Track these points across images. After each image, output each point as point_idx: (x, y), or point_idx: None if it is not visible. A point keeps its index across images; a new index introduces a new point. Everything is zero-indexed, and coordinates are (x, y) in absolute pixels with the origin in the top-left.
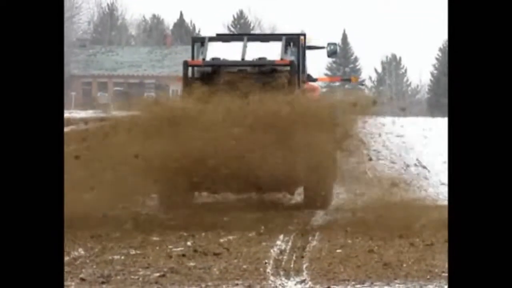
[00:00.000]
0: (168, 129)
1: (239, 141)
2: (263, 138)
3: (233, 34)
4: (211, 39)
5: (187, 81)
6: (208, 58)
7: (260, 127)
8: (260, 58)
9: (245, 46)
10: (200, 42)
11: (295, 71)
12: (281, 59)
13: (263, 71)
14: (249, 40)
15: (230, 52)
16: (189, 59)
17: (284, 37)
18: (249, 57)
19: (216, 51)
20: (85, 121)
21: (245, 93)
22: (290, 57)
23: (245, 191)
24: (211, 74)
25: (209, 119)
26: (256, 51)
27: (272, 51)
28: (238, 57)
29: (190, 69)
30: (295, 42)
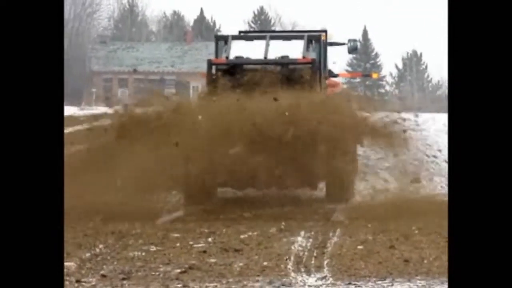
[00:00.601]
0: (192, 126)
1: (263, 138)
2: (287, 134)
3: (256, 32)
4: (234, 37)
5: (211, 79)
6: (231, 57)
7: (283, 124)
8: (282, 57)
9: (267, 45)
10: (223, 40)
11: (316, 68)
12: (303, 57)
13: (286, 69)
14: (271, 38)
15: (252, 50)
16: (211, 56)
17: (306, 35)
18: (272, 55)
19: (239, 49)
20: (104, 117)
21: (268, 91)
22: (312, 55)
23: (269, 187)
24: (235, 72)
25: (233, 116)
26: (278, 49)
27: (294, 49)
28: (260, 56)
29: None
30: (316, 40)
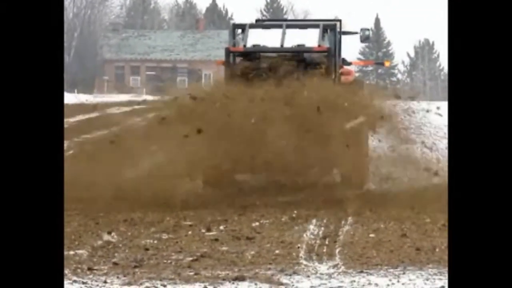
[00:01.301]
0: (211, 114)
1: (282, 124)
2: (303, 121)
3: (272, 20)
4: (252, 26)
5: (229, 67)
6: (248, 45)
7: (300, 111)
8: (298, 45)
9: (284, 33)
10: (241, 28)
11: (332, 56)
12: (319, 45)
13: (302, 57)
14: (287, 27)
15: (268, 38)
16: (224, 44)
17: (321, 24)
18: (288, 43)
19: (256, 37)
20: (121, 105)
21: (285, 79)
22: (327, 43)
23: (286, 172)
24: (252, 60)
25: (252, 103)
26: (294, 37)
27: (309, 38)
28: (277, 44)
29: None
30: (331, 29)
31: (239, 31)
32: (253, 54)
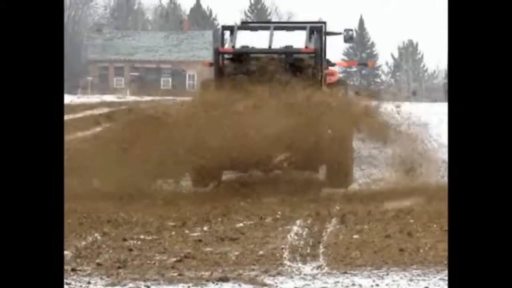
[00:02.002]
0: (203, 113)
1: (270, 123)
2: (291, 121)
3: (260, 22)
4: (240, 27)
5: (218, 67)
6: (237, 46)
7: (288, 111)
8: (286, 46)
9: (271, 35)
10: (229, 30)
11: (318, 57)
12: (306, 47)
13: (289, 58)
14: (275, 29)
15: (256, 40)
16: (208, 45)
17: (308, 26)
18: (275, 44)
19: (244, 39)
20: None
21: (273, 79)
22: (314, 45)
23: (274, 169)
24: (241, 61)
25: (241, 103)
26: (280, 39)
27: (296, 39)
28: (265, 45)
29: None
30: (318, 31)
31: (227, 33)
32: (242, 55)
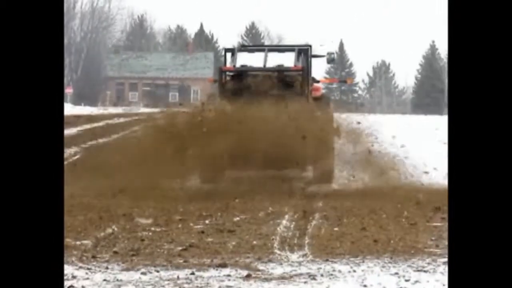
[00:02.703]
0: (208, 121)
1: (266, 129)
2: (283, 127)
3: (256, 46)
4: (239, 49)
5: (221, 83)
6: (237, 65)
7: (281, 119)
8: (278, 65)
9: (266, 56)
10: (231, 52)
11: (305, 75)
12: (295, 65)
13: (281, 75)
14: (269, 50)
15: (253, 60)
16: (210, 65)
17: (296, 48)
18: (269, 64)
19: (243, 59)
20: (120, 116)
21: (267, 92)
22: (301, 64)
23: (271, 168)
24: (240, 77)
25: (241, 113)
26: (273, 59)
27: (287, 59)
28: (260, 64)
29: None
30: (304, 52)
31: (228, 54)
32: (241, 73)
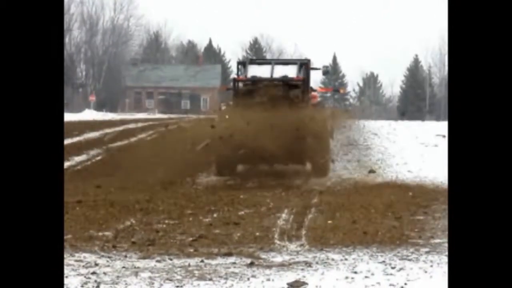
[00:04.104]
0: (224, 123)
1: (273, 130)
2: (287, 128)
3: (264, 59)
4: (250, 62)
5: (235, 90)
6: (249, 76)
7: (285, 121)
8: (283, 76)
9: (272, 68)
10: (242, 64)
11: (306, 84)
12: (297, 76)
13: (285, 84)
14: (275, 63)
15: (262, 71)
16: (218, 76)
17: (298, 62)
18: (275, 74)
19: (253, 71)
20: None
21: (274, 99)
22: (302, 75)
23: (275, 163)
24: (251, 86)
25: (252, 116)
26: (278, 70)
27: (290, 71)
28: (268, 75)
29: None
30: (304, 65)
31: (241, 66)
32: (252, 82)
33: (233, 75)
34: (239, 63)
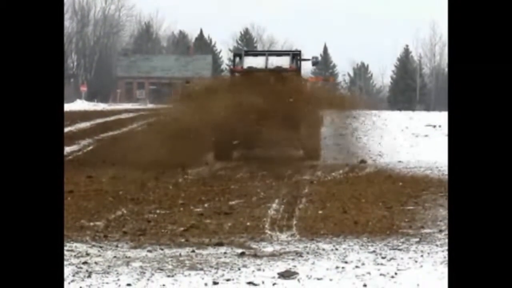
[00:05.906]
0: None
1: (267, 117)
2: (281, 116)
3: (259, 51)
4: (245, 54)
5: (232, 80)
6: (245, 66)
7: (279, 109)
8: (277, 66)
9: (267, 59)
10: (238, 56)
11: (298, 74)
12: (290, 66)
13: (279, 74)
14: (269, 55)
15: (257, 62)
16: (209, 66)
17: (291, 53)
18: (269, 65)
19: (249, 61)
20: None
21: (268, 88)
22: (295, 65)
23: (270, 147)
24: (247, 76)
25: (250, 102)
26: (272, 61)
27: (283, 61)
28: (263, 65)
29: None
30: (296, 56)
31: (237, 57)
32: (248, 72)
33: (224, 66)
34: (235, 54)
